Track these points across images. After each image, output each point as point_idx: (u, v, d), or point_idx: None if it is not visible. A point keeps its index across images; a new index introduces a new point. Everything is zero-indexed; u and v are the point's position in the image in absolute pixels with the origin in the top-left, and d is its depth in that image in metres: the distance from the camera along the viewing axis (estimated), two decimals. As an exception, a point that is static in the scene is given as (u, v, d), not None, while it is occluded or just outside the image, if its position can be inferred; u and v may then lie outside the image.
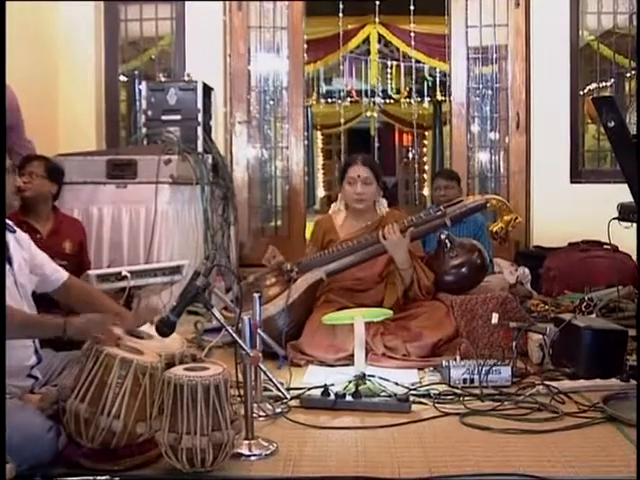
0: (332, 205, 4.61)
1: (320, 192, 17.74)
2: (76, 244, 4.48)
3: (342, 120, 12.80)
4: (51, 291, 2.99)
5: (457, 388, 3.30)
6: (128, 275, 4.08)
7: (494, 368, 3.34)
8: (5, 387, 2.43)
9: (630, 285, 5.16)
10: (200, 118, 5.80)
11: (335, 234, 4.43)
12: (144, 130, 5.86)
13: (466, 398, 3.18)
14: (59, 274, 2.99)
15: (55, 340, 2.79)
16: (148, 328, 2.77)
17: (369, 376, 3.28)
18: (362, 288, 4.30)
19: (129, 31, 6.83)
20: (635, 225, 3.22)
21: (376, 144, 15.10)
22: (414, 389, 3.29)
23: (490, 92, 6.84)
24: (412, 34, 9.82)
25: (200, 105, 5.82)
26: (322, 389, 3.14)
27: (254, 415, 2.69)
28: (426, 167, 16.77)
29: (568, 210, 6.24)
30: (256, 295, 3.18)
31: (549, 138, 6.46)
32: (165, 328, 2.57)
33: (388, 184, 15.35)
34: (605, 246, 5.72)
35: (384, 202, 4.46)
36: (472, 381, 3.33)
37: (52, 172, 4.42)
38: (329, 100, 14.03)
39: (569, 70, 6.48)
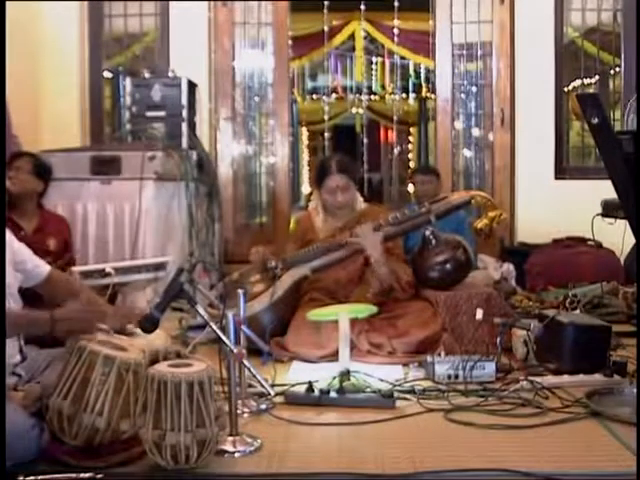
0: (310, 203, 4.61)
1: (305, 188, 17.71)
2: (61, 242, 4.47)
3: (327, 116, 12.77)
4: (34, 285, 2.97)
5: (441, 384, 3.31)
6: (112, 272, 4.08)
7: (478, 364, 3.35)
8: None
9: (614, 281, 5.19)
10: (184, 114, 5.79)
11: (314, 233, 4.42)
12: (128, 126, 5.85)
13: (450, 394, 3.18)
14: (40, 269, 2.97)
15: (40, 337, 2.77)
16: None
17: (353, 372, 3.28)
18: (346, 285, 4.28)
19: (113, 27, 6.80)
20: (618, 221, 3.24)
21: (361, 140, 15.10)
22: (398, 385, 3.30)
23: (475, 89, 6.86)
24: (397, 30, 9.81)
25: (185, 101, 5.81)
26: (306, 385, 3.14)
27: (238, 411, 2.69)
28: (411, 164, 16.77)
29: (552, 206, 6.26)
30: (240, 291, 3.17)
31: (534, 135, 6.48)
32: (148, 324, 2.56)
33: (373, 181, 15.39)
34: (589, 242, 5.74)
35: (359, 197, 4.48)
36: (456, 377, 3.34)
37: (39, 169, 4.40)
38: (314, 96, 13.99)
39: (554, 67, 6.50)
